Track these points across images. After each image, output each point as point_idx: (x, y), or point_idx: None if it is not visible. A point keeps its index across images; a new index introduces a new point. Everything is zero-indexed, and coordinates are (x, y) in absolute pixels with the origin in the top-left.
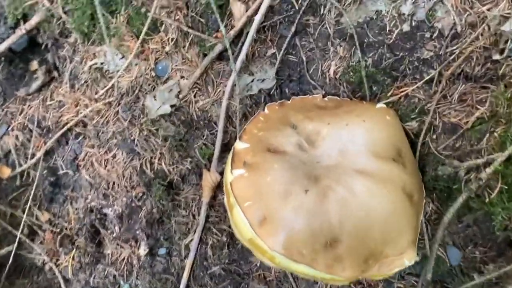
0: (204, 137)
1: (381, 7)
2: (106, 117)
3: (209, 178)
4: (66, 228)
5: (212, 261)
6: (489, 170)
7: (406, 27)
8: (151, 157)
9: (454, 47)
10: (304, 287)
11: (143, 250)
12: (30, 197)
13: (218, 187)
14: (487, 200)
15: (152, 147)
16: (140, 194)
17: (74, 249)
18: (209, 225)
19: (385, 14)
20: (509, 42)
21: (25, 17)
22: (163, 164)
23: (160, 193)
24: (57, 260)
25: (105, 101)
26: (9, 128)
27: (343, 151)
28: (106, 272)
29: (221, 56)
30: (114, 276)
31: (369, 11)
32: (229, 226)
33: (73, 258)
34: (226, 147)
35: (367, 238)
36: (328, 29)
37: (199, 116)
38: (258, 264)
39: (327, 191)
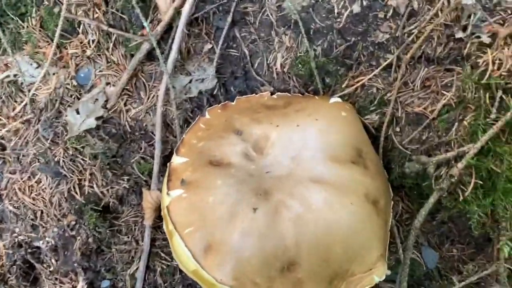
0: (142, 150)
1: None
2: (25, 138)
3: (150, 198)
4: None
5: None
6: (460, 164)
7: (356, 8)
8: (80, 180)
9: (412, 27)
10: None
11: (81, 286)
12: None
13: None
14: (461, 198)
15: (80, 168)
16: (73, 223)
17: None
18: (156, 250)
19: None
20: (472, 17)
21: None
22: (94, 186)
23: (94, 220)
24: None
25: (23, 118)
26: None
27: (296, 158)
28: None
29: (151, 56)
30: None
31: None
32: None
33: None
34: (168, 159)
35: (329, 258)
36: (270, 16)
37: (132, 126)
38: None
39: (279, 207)
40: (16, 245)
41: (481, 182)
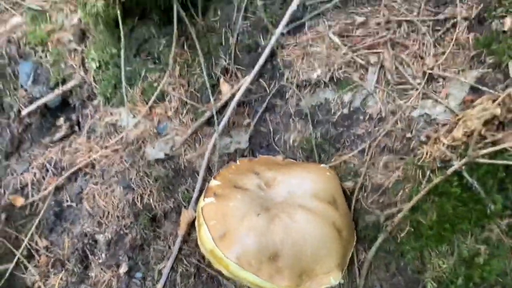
0: (188, 184)
1: (329, 95)
2: (112, 160)
3: (187, 215)
4: (59, 254)
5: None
6: (400, 215)
7: (346, 111)
8: (142, 193)
9: (380, 127)
10: None
11: (123, 269)
12: (34, 225)
13: (193, 225)
14: (399, 240)
15: (145, 185)
16: (129, 223)
17: (63, 271)
18: (181, 256)
19: (331, 101)
20: (417, 125)
21: (64, 81)
22: (151, 200)
23: (145, 222)
24: (46, 280)
25: (113, 148)
26: (30, 167)
27: (291, 193)
28: None
29: (209, 122)
30: None
31: (320, 98)
32: (198, 260)
33: (61, 279)
34: None
35: (301, 257)
36: (290, 109)
37: (186, 166)
38: None
39: (274, 217)
40: (83, 234)
41: (412, 229)
